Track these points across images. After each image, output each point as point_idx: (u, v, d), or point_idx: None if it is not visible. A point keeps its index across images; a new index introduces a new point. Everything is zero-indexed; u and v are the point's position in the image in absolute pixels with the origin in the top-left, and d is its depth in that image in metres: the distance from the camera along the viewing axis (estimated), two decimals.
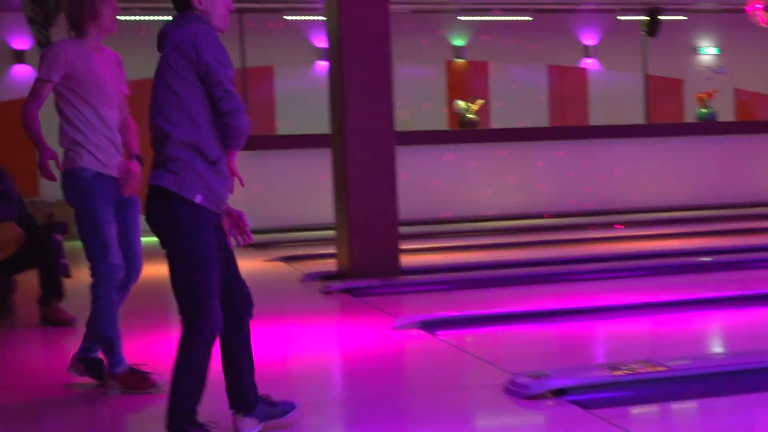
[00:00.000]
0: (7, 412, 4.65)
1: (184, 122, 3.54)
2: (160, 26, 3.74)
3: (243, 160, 13.73)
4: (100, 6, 4.80)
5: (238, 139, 3.62)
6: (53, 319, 6.77)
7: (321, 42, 14.60)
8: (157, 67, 3.64)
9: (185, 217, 3.56)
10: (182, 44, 3.55)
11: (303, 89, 14.70)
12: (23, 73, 13.61)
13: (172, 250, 3.60)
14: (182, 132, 3.54)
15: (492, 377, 4.81)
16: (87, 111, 4.80)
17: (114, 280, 4.78)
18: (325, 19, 8.78)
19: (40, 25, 11.25)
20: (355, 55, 8.16)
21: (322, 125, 13.77)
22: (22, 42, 13.59)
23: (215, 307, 3.62)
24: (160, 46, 3.67)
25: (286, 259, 9.95)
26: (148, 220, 3.65)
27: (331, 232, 8.94)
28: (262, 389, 4.01)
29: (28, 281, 7.26)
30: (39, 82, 4.82)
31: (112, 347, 4.81)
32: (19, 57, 13.60)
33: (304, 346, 6.05)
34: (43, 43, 12.35)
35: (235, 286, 3.82)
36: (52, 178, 4.88)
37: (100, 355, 4.92)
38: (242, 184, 3.80)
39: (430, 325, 6.17)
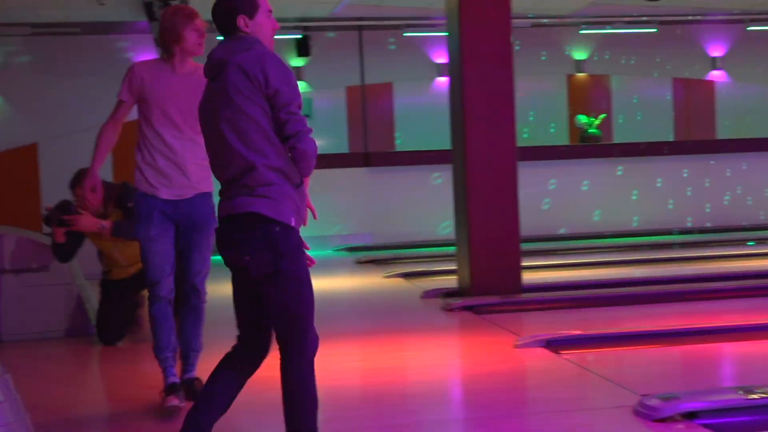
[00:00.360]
0: (141, 426, 4.75)
1: (268, 148, 3.46)
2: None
3: (361, 176, 13.94)
4: (183, 29, 4.85)
5: (306, 161, 3.50)
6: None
7: (440, 58, 14.60)
8: (215, 93, 3.56)
9: (286, 242, 3.48)
10: (249, 68, 3.47)
11: (422, 105, 14.72)
12: None
13: (275, 276, 3.48)
14: (270, 157, 3.46)
15: (619, 398, 4.69)
16: (149, 132, 4.89)
17: (153, 296, 4.89)
18: (445, 34, 8.76)
19: None
20: (476, 70, 8.11)
21: (441, 141, 13.85)
22: None
23: (314, 325, 3.60)
24: (215, 72, 3.57)
25: (406, 276, 9.94)
26: (236, 249, 3.52)
27: (451, 249, 8.89)
28: (383, 407, 3.97)
29: None
30: (117, 102, 4.98)
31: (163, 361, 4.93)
32: None
33: (424, 364, 6.01)
34: None
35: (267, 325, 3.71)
36: (90, 201, 5.02)
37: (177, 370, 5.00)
38: (315, 217, 3.73)
39: (554, 344, 6.05)
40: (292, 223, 3.49)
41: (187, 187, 4.88)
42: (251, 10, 3.60)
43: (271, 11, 3.67)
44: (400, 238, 12.97)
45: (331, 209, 13.33)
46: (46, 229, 6.88)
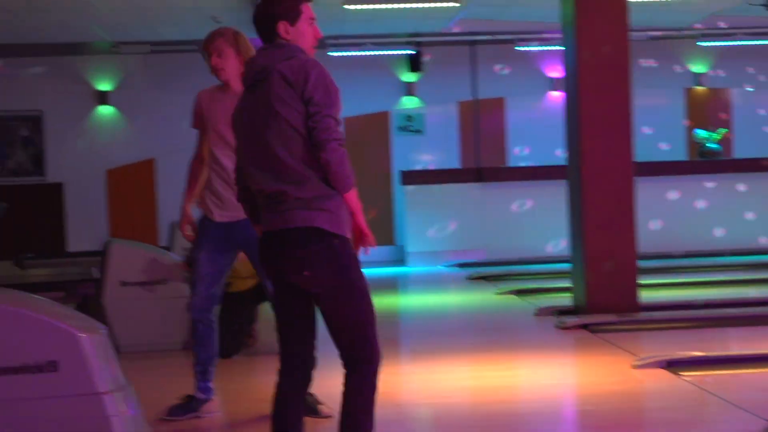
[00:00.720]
0: None
1: (316, 160, 3.35)
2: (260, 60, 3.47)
3: (474, 192, 13.86)
4: (204, 51, 4.98)
5: (330, 173, 3.34)
6: None
7: (554, 72, 14.42)
8: (255, 102, 3.44)
9: (347, 254, 3.40)
10: (291, 76, 3.36)
11: (535, 120, 14.56)
12: None
13: (338, 290, 3.40)
14: (320, 168, 3.35)
15: (743, 423, 4.52)
16: (210, 155, 5.02)
17: (193, 311, 5.03)
18: (559, 48, 8.63)
19: None
20: (593, 84, 7.96)
21: (554, 156, 13.67)
22: None
23: (377, 335, 3.54)
24: (255, 80, 3.46)
25: (519, 293, 9.80)
26: (291, 264, 3.40)
27: (565, 265, 8.72)
28: (494, 427, 3.89)
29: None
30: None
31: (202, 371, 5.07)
32: None
33: (537, 383, 5.90)
34: None
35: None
36: (187, 238, 5.19)
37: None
38: (372, 244, 3.50)
39: (674, 365, 5.86)
40: (348, 235, 3.42)
41: (240, 208, 4.93)
42: (293, 16, 3.49)
43: (313, 18, 3.56)
44: (513, 254, 12.82)
45: (442, 225, 13.28)
46: (162, 242, 7.03)
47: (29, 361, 3.76)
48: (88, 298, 7.73)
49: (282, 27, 3.48)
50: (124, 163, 13.92)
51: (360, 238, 3.46)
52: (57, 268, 12.16)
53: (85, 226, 13.86)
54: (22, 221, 13.32)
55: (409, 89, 14.35)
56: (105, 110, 14.01)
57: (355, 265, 3.42)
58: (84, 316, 4.23)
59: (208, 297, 5.03)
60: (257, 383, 5.90)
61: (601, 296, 7.86)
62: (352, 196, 3.40)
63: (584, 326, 7.49)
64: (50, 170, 13.97)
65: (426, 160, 14.27)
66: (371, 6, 10.44)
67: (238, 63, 4.92)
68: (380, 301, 10.06)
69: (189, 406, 5.08)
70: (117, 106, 14.02)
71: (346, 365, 3.51)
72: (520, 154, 14.46)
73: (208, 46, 5.01)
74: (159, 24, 12.55)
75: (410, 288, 11.75)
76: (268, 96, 3.39)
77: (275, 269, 3.48)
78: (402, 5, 10.48)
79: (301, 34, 3.50)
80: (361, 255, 3.49)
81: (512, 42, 14.03)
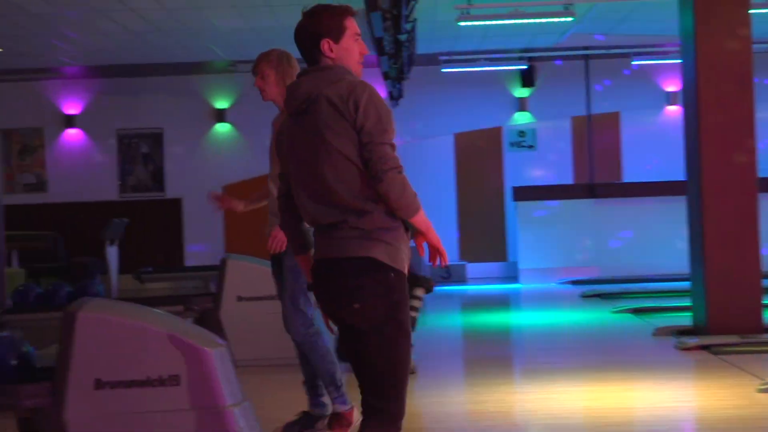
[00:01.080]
0: None
1: (374, 190, 3.12)
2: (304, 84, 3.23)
3: (588, 208, 13.65)
4: (283, 65, 5.02)
5: (390, 203, 3.10)
6: None
7: (671, 86, 14.12)
8: (301, 130, 3.21)
9: (401, 290, 3.16)
10: (340, 101, 3.12)
11: (651, 135, 14.28)
12: None
13: (384, 327, 3.13)
14: (380, 201, 3.12)
15: None
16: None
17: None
18: (677, 62, 8.44)
19: (394, 79, 11.77)
20: (713, 97, 7.75)
21: (670, 172, 13.34)
22: None
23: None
24: (301, 107, 3.22)
25: (636, 311, 9.59)
26: (341, 296, 3.16)
27: (684, 284, 8.50)
28: None
29: None
30: None
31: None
32: None
33: (656, 405, 5.75)
34: (395, 96, 12.93)
35: None
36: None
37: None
38: (446, 260, 3.26)
39: None
40: (405, 271, 3.19)
41: None
42: (337, 33, 3.24)
43: (359, 34, 3.29)
44: (628, 272, 12.58)
45: (555, 241, 13.13)
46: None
47: (153, 374, 3.84)
48: (205, 313, 7.88)
49: (326, 45, 3.23)
50: (241, 179, 14.18)
51: (434, 255, 3.24)
52: (175, 282, 12.46)
53: (202, 240, 14.18)
54: (142, 236, 13.71)
55: (521, 105, 14.26)
56: (222, 127, 14.33)
57: (406, 304, 3.18)
58: (204, 330, 4.30)
59: (290, 323, 5.05)
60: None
61: (724, 316, 7.62)
62: (420, 217, 3.17)
63: (705, 347, 7.27)
64: (169, 186, 14.36)
65: (538, 175, 14.13)
66: (485, 22, 10.41)
67: (280, 85, 4.95)
68: (492, 318, 10.05)
69: (304, 421, 5.11)
70: (234, 123, 14.33)
71: (366, 412, 3.20)
72: (635, 170, 14.19)
73: (254, 68, 5.10)
74: (275, 43, 12.75)
75: (523, 305, 11.63)
76: (317, 125, 3.16)
77: (324, 300, 3.25)
78: (515, 20, 10.42)
79: (347, 51, 3.25)
80: (439, 265, 3.30)
81: (627, 56, 13.79)
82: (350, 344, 3.21)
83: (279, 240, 5.06)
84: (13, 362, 4.14)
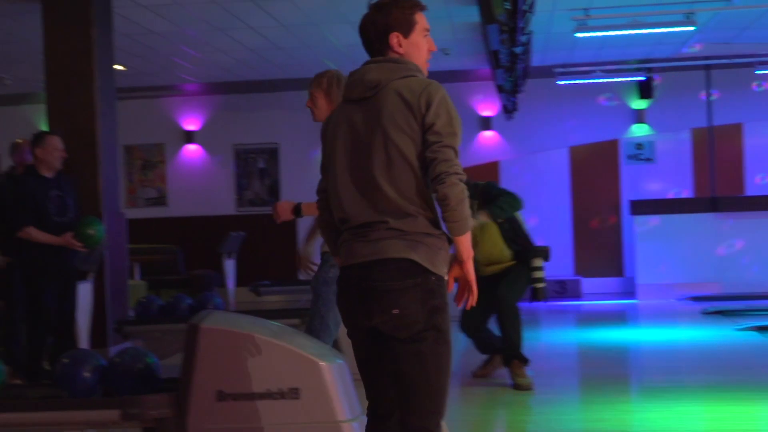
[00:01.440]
0: None
1: (424, 195, 2.98)
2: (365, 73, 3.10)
3: (709, 222, 13.29)
4: (333, 86, 4.99)
5: (448, 210, 2.91)
6: (515, 385, 6.77)
7: None
8: (357, 119, 3.05)
9: (442, 295, 2.98)
10: (411, 97, 2.98)
11: None
12: (489, 140, 14.22)
13: (424, 334, 2.97)
14: (426, 208, 2.99)
15: None
16: None
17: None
18: None
19: (509, 92, 11.70)
20: None
21: None
22: (488, 108, 14.22)
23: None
24: (362, 95, 3.07)
25: (761, 329, 9.27)
26: (376, 301, 2.97)
27: None
28: None
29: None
30: None
31: None
32: (486, 124, 14.24)
33: None
34: (510, 109, 12.84)
35: None
36: None
37: None
38: (474, 299, 3.05)
39: None
40: (446, 276, 3.01)
41: None
42: (406, 27, 3.12)
43: (428, 30, 3.18)
44: (752, 288, 12.17)
45: (675, 256, 12.82)
46: None
47: (273, 387, 3.87)
48: None
49: (395, 39, 3.11)
50: None
51: (465, 289, 3.03)
52: (291, 295, 12.59)
53: (316, 253, 14.31)
54: (259, 249, 13.93)
55: (639, 116, 13.98)
56: None
57: (447, 312, 3.00)
58: (322, 344, 4.32)
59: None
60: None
61: None
62: (466, 240, 2.96)
63: None
64: (285, 200, 14.53)
65: (657, 189, 13.82)
66: (602, 33, 10.24)
67: (327, 107, 4.94)
68: (609, 335, 9.84)
69: None
70: None
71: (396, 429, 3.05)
72: (761, 183, 13.74)
73: (308, 88, 5.12)
74: None
75: (641, 322, 11.36)
76: (380, 116, 3.00)
77: (356, 309, 3.03)
78: (634, 31, 10.22)
79: (416, 47, 3.13)
80: (459, 307, 3.11)
81: (750, 65, 13.38)
82: (382, 357, 3.04)
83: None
84: (139, 373, 4.24)
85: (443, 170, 2.90)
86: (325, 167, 3.18)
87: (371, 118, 3.02)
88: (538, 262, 6.88)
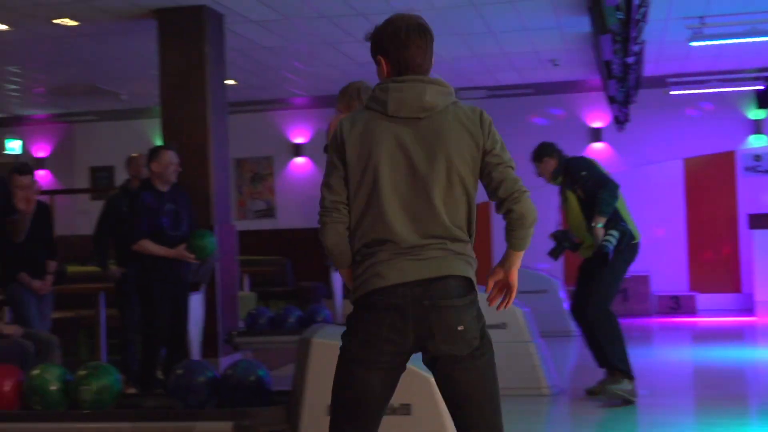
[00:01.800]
0: None
1: (468, 223, 3.00)
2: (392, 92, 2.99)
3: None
4: (354, 100, 4.99)
5: (523, 228, 2.95)
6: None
7: None
8: (408, 139, 2.94)
9: (482, 315, 3.02)
10: (468, 123, 2.97)
11: None
12: (599, 151, 13.97)
13: (479, 350, 2.95)
14: (469, 238, 3.01)
15: None
16: None
17: None
18: None
19: (621, 103, 11.47)
20: None
21: None
22: (599, 119, 13.98)
23: None
24: (412, 114, 2.96)
25: None
26: (442, 318, 2.90)
27: None
28: None
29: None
30: None
31: None
32: (596, 135, 14.00)
33: None
34: (621, 120, 12.59)
35: None
36: None
37: None
38: (505, 306, 3.11)
39: None
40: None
41: None
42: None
43: None
44: None
45: None
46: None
47: None
48: None
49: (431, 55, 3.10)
50: None
51: (501, 291, 3.07)
52: None
53: None
54: None
55: (756, 127, 13.55)
56: None
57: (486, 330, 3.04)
58: None
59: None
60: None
61: None
62: (522, 253, 3.05)
63: None
64: None
65: None
66: (719, 42, 9.96)
67: None
68: (725, 353, 9.53)
69: None
70: None
71: None
72: None
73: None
74: (497, 69, 12.75)
75: (759, 340, 10.97)
76: (442, 143, 2.94)
77: (403, 330, 2.89)
78: (752, 39, 9.91)
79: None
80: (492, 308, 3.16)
81: None
82: (439, 378, 2.99)
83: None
84: (251, 385, 4.25)
85: (517, 189, 2.94)
86: (351, 181, 3.02)
87: (430, 143, 2.94)
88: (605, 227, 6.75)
